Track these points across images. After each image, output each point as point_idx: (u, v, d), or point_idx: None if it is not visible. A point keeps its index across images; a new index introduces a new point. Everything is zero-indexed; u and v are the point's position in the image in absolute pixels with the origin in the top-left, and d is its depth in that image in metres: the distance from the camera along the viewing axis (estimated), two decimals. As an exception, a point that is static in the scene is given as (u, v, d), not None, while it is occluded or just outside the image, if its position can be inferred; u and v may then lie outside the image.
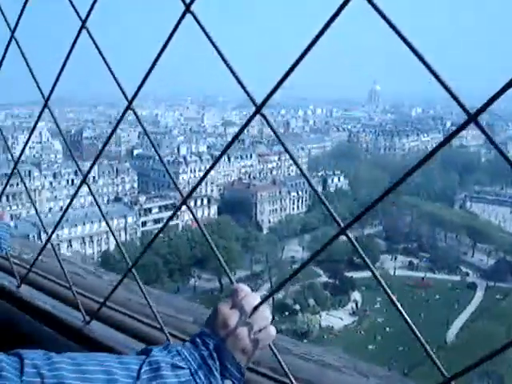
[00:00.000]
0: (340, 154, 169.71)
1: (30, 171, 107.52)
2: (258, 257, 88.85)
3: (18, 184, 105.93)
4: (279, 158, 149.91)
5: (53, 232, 2.05)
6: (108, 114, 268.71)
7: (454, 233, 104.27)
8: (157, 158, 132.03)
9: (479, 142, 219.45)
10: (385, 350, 67.42)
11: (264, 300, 1.50)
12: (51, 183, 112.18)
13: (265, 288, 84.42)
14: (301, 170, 0.80)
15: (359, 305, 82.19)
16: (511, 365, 55.45)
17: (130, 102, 1.21)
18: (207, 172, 1.31)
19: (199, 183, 1.21)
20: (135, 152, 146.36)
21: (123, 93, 1.19)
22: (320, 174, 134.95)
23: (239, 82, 0.93)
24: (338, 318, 77.58)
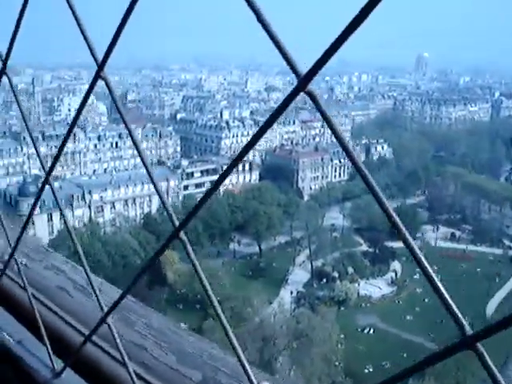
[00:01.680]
0: (384, 122, 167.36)
1: (74, 134, 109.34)
2: (298, 223, 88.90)
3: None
4: (322, 125, 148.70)
5: (27, 221, 1.19)
6: (152, 77, 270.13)
7: (497, 205, 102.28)
8: (200, 122, 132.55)
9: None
10: (423, 321, 67.16)
11: None
12: (96, 145, 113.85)
13: (305, 254, 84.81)
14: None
15: (398, 275, 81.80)
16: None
17: (100, 69, 1.01)
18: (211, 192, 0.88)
19: (195, 212, 0.79)
20: (178, 116, 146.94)
21: (94, 57, 1.03)
22: (363, 142, 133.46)
23: (282, 53, 0.76)
24: (376, 287, 77.49)
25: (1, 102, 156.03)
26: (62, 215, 1.20)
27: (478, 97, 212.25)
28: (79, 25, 0.87)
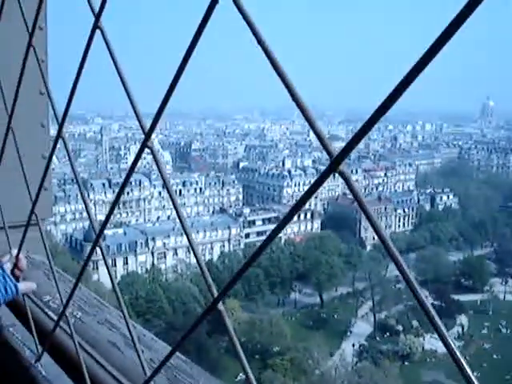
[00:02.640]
0: (450, 171, 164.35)
1: (140, 181, 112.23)
2: (360, 274, 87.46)
3: (128, 193, 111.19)
4: (385, 174, 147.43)
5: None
6: (216, 127, 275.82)
7: None
8: (262, 171, 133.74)
9: None
10: (490, 377, 64.09)
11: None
12: (160, 193, 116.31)
13: (367, 306, 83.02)
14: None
15: (465, 329, 78.90)
16: None
17: (146, 138, 0.98)
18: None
19: (235, 281, 0.75)
20: (241, 165, 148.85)
21: (141, 126, 1.01)
22: (428, 191, 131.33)
23: (315, 133, 0.77)
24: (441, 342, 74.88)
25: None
26: (109, 272, 1.21)
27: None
28: (128, 94, 1.08)
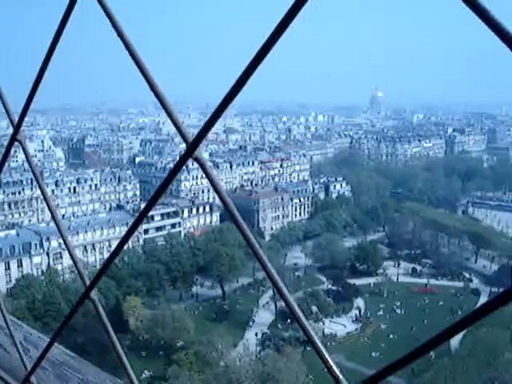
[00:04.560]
0: (342, 161, 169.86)
1: (31, 179, 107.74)
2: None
3: (19, 192, 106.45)
4: (281, 165, 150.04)
5: None
6: (110, 121, 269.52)
7: (456, 239, 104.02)
8: (158, 165, 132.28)
9: (482, 147, 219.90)
10: (389, 357, 67.03)
11: None
12: (53, 191, 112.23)
13: (268, 295, 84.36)
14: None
15: (362, 312, 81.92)
16: None
17: (16, 131, 0.94)
18: None
19: (104, 270, 0.71)
20: (137, 159, 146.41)
21: (10, 120, 0.96)
22: (322, 180, 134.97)
23: (171, 119, 0.79)
24: (341, 325, 77.32)
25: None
26: None
27: (432, 133, 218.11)
28: None
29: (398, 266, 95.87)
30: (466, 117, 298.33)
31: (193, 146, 0.75)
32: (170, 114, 0.81)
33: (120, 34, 0.78)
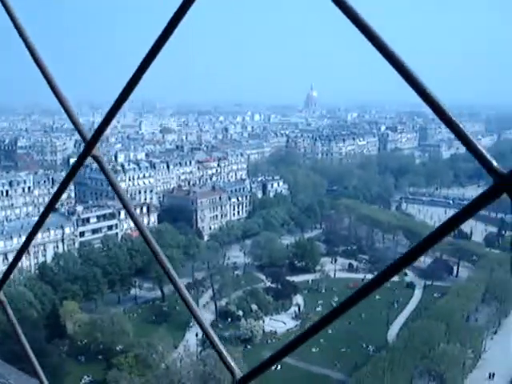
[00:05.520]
0: (279, 160, 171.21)
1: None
2: (199, 264, 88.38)
3: None
4: (218, 164, 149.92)
5: None
6: (43, 122, 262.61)
7: (391, 234, 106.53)
8: (94, 166, 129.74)
9: (414, 144, 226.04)
10: (328, 352, 68.14)
11: None
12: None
13: (208, 294, 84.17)
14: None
15: (301, 308, 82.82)
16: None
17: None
18: None
19: (10, 272, 0.66)
20: (71, 161, 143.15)
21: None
22: (260, 179, 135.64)
23: (69, 116, 0.76)
24: (281, 323, 77.95)
25: None
26: None
27: (366, 131, 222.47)
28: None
29: (335, 262, 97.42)
30: (398, 115, 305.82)
31: (91, 145, 0.73)
32: (69, 114, 0.79)
33: (22, 36, 0.76)
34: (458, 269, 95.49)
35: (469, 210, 0.66)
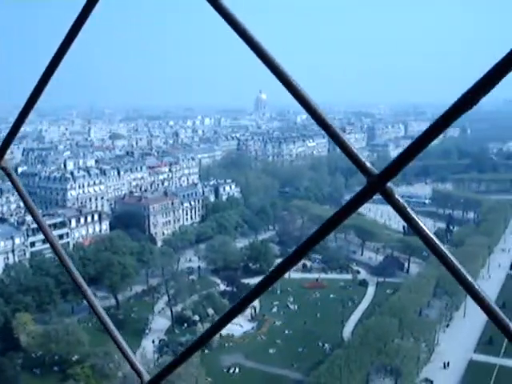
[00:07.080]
0: (230, 163, 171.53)
1: None
2: (153, 270, 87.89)
3: None
4: (170, 169, 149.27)
5: None
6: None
7: (343, 233, 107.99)
8: (43, 174, 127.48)
9: (362, 144, 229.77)
10: (285, 352, 68.77)
11: None
12: None
13: (163, 301, 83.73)
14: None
15: (257, 310, 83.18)
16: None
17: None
18: None
19: None
20: (19, 170, 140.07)
21: None
22: (212, 183, 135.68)
23: None
24: (237, 325, 78.11)
25: None
26: None
27: (315, 133, 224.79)
28: None
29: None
30: (346, 116, 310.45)
31: (1, 156, 0.58)
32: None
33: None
34: (409, 265, 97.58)
35: (347, 209, 0.64)
